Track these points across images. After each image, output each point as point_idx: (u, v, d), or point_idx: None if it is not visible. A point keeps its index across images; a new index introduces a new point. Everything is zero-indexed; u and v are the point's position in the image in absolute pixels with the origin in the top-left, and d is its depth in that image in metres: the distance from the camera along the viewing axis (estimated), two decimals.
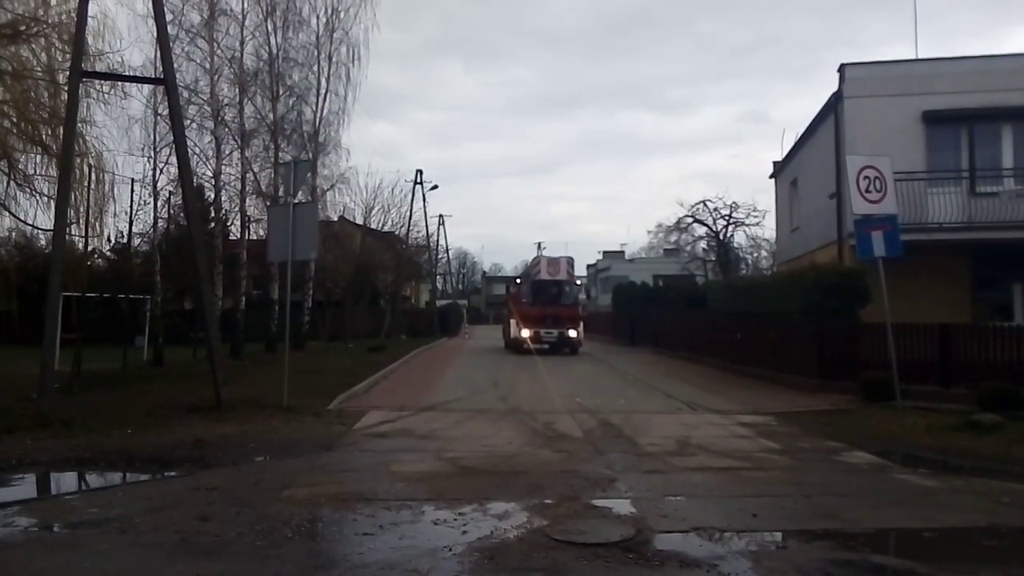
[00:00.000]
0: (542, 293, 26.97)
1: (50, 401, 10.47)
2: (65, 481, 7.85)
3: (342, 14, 27.35)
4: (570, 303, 27.26)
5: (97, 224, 16.71)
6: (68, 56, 12.60)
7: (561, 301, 26.96)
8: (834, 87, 18.05)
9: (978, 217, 16.08)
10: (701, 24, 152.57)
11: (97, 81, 14.77)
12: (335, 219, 32.75)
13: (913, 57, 19.28)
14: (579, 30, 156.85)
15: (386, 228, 38.81)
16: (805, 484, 7.09)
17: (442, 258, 63.51)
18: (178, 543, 5.12)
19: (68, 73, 11.90)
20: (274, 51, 25.40)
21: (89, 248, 17.97)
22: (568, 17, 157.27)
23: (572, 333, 26.36)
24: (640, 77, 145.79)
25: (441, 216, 59.56)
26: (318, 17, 26.94)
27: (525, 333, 25.83)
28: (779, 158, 26.13)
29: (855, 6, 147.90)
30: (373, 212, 36.64)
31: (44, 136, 13.94)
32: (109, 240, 25.27)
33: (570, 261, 28.24)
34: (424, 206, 45.81)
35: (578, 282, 29.08)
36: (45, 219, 15.26)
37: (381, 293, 41.32)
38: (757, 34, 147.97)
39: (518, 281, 32.45)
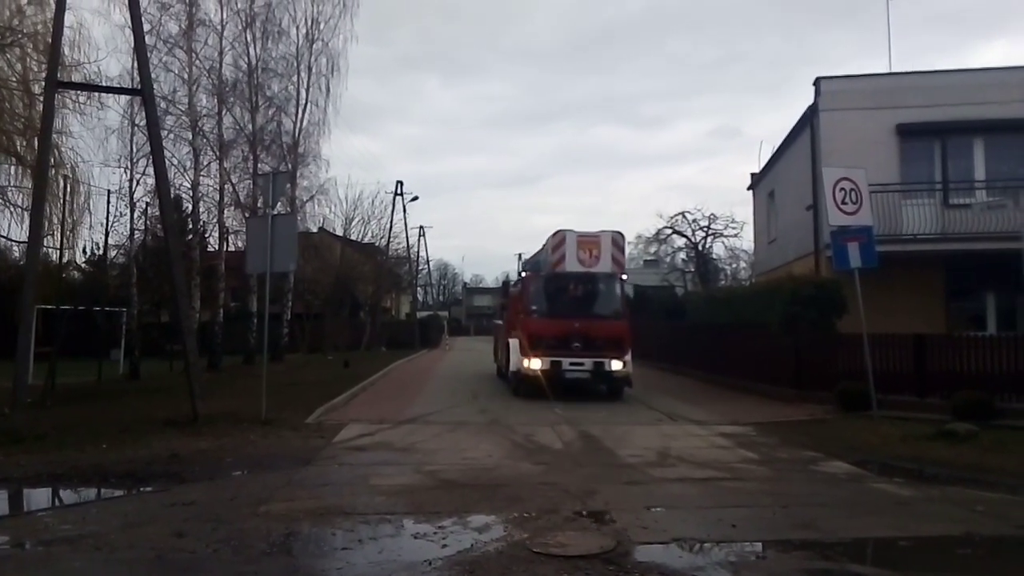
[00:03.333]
0: (564, 295, 16.31)
1: (23, 416, 10.31)
2: (38, 497, 7.69)
3: (322, 25, 27.50)
4: (612, 313, 16.10)
5: (72, 236, 16.62)
6: (44, 66, 12.54)
7: (596, 309, 16.21)
8: (807, 102, 18.37)
9: (951, 228, 16.34)
10: (672, 42, 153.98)
11: (73, 92, 14.69)
12: (315, 230, 32.67)
13: (887, 71, 19.63)
14: (553, 47, 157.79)
15: (366, 239, 38.80)
16: (783, 494, 7.14)
17: (423, 269, 63.57)
18: (153, 560, 5.05)
19: (44, 83, 11.82)
20: (253, 62, 25.43)
21: (64, 260, 17.79)
22: (542, 35, 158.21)
23: (615, 364, 15.38)
24: (615, 93, 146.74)
25: (422, 227, 59.70)
26: (297, 28, 27.09)
27: (535, 364, 15.40)
28: (755, 170, 26.45)
29: (824, 26, 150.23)
30: (353, 223, 36.65)
31: (19, 147, 13.85)
32: (84, 252, 25.10)
33: (616, 239, 16.41)
34: (404, 217, 45.73)
35: (624, 276, 16.88)
36: (19, 231, 15.15)
37: (361, 305, 41.13)
38: (728, 52, 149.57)
39: (523, 275, 19.26)
